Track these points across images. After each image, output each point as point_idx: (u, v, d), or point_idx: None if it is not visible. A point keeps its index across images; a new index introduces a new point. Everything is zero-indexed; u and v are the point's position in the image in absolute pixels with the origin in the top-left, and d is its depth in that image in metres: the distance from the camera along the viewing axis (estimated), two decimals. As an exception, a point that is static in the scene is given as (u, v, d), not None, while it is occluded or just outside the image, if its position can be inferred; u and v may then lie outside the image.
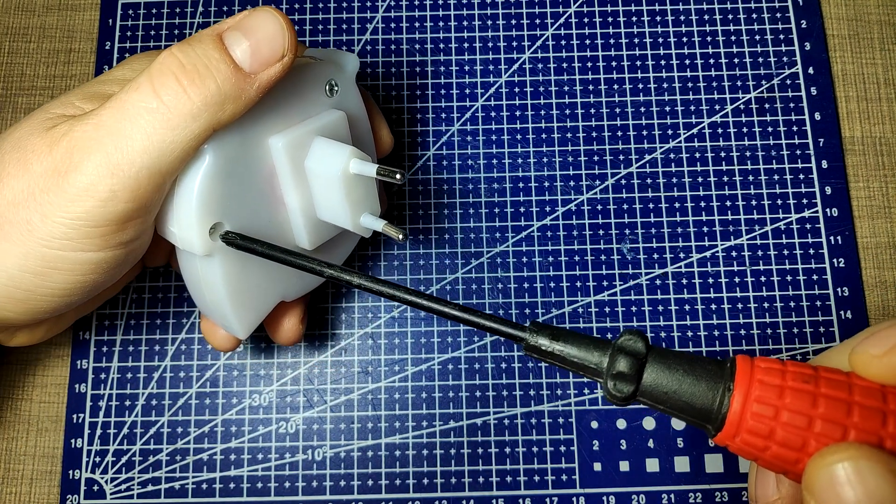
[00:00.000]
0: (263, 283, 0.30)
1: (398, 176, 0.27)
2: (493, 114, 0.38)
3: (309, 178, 0.29)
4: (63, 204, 0.23)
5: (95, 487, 0.34)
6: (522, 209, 0.37)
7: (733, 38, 0.38)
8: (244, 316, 0.29)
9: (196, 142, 0.24)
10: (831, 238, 0.36)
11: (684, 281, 0.36)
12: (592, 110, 0.38)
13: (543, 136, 0.37)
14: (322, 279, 0.33)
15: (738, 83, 0.38)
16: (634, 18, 0.39)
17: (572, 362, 0.22)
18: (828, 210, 0.36)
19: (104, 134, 0.23)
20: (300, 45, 0.29)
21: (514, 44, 0.39)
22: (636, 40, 0.39)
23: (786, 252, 0.36)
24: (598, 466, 0.34)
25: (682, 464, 0.34)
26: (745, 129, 0.37)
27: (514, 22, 0.39)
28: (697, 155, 0.37)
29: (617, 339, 0.21)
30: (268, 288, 0.30)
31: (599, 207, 0.37)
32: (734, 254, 0.36)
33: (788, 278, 0.36)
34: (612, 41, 0.39)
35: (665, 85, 0.38)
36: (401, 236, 0.28)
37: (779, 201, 0.36)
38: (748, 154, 0.37)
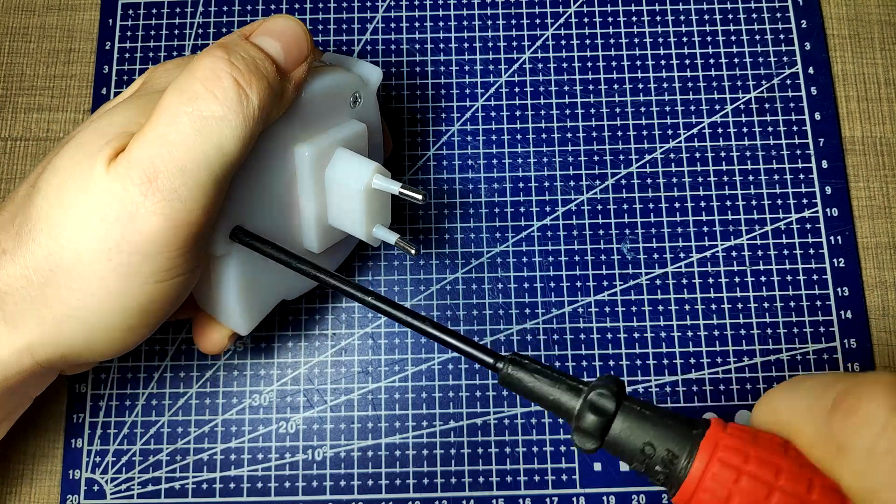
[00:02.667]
0: (269, 282, 0.30)
1: (419, 197, 0.28)
2: (493, 114, 0.38)
3: (327, 187, 0.29)
4: (164, 240, 0.23)
5: (95, 487, 0.34)
6: (522, 209, 0.37)
7: (733, 38, 0.38)
8: (250, 313, 0.29)
9: (253, 142, 0.24)
10: (831, 238, 0.36)
11: (684, 281, 0.36)
12: (592, 110, 0.38)
13: (543, 136, 0.37)
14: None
15: (738, 83, 0.38)
16: (634, 18, 0.39)
17: (544, 400, 0.21)
18: (828, 210, 0.36)
19: (181, 154, 0.23)
20: (318, 51, 0.30)
21: (514, 44, 0.39)
22: (636, 40, 0.39)
23: (786, 252, 0.36)
24: (598, 466, 0.34)
25: (682, 464, 0.34)
26: (745, 129, 0.37)
27: (514, 22, 0.39)
28: (697, 155, 0.37)
29: (590, 389, 0.21)
30: (273, 287, 0.30)
31: (599, 207, 0.37)
32: (734, 254, 0.36)
33: (788, 278, 0.36)
34: (612, 41, 0.39)
35: (665, 85, 0.38)
36: (413, 251, 0.29)
37: (779, 201, 0.36)
38: (748, 154, 0.37)
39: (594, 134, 0.37)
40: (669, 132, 0.37)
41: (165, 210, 0.22)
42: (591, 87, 0.38)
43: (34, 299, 0.24)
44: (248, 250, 0.27)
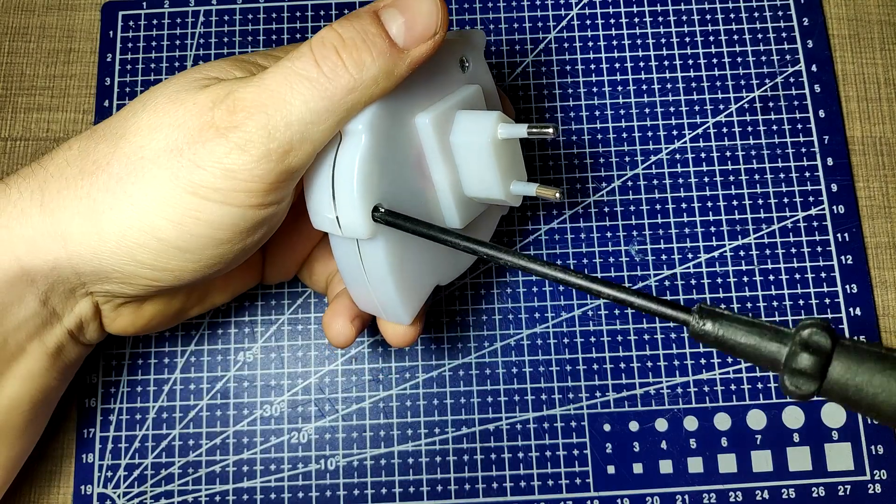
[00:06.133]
0: (421, 266, 0.29)
1: (551, 130, 0.26)
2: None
3: (455, 154, 0.28)
4: (217, 157, 0.24)
5: (108, 502, 0.33)
6: (529, 213, 0.37)
7: (735, 37, 0.39)
8: (409, 299, 0.28)
9: (348, 115, 0.25)
10: (838, 235, 0.36)
11: (693, 281, 0.36)
12: (597, 112, 0.38)
13: (548, 139, 0.37)
14: (471, 262, 0.32)
15: (742, 82, 0.38)
16: (636, 20, 0.39)
17: (743, 350, 0.20)
18: (834, 207, 0.36)
19: (267, 97, 0.24)
20: None
21: (517, 47, 0.39)
22: (639, 41, 0.39)
23: (793, 250, 0.36)
24: (611, 469, 0.34)
25: (695, 464, 0.34)
26: (749, 128, 0.37)
27: (516, 26, 0.39)
28: (703, 155, 0.37)
29: (798, 328, 0.19)
30: (425, 271, 0.29)
31: (606, 210, 0.37)
32: (742, 253, 0.36)
33: (797, 276, 0.36)
34: (614, 43, 0.39)
35: (669, 86, 0.38)
36: (558, 194, 0.27)
37: (785, 199, 0.37)
38: (753, 153, 0.37)
39: (599, 136, 0.37)
40: (674, 133, 0.37)
41: (229, 135, 0.24)
42: (594, 89, 0.38)
43: (81, 188, 0.25)
44: (395, 234, 0.26)
